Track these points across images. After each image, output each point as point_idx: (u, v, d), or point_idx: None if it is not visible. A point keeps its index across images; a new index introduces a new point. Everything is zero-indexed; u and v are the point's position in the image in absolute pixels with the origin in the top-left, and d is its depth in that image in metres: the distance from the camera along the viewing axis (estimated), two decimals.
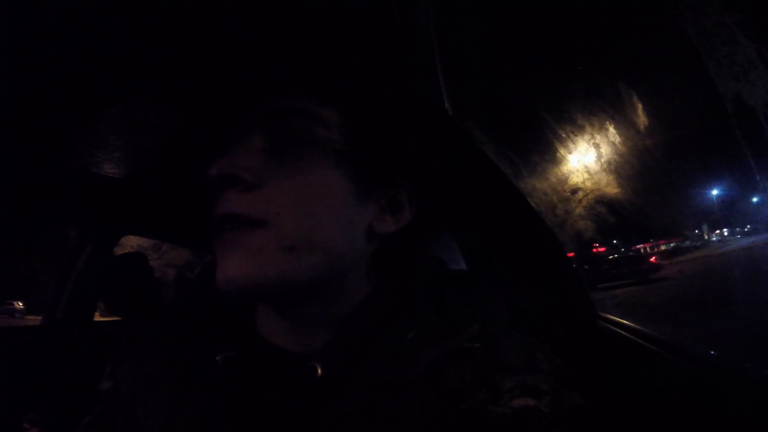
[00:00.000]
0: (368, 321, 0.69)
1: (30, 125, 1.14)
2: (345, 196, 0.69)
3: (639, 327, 1.30)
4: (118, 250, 2.36)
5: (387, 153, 0.75)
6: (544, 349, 0.69)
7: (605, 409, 0.73)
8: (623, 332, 1.29)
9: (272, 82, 0.76)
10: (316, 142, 0.68)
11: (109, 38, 0.84)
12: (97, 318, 2.39)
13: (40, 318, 2.31)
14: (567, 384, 0.65)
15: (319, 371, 0.63)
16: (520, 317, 1.02)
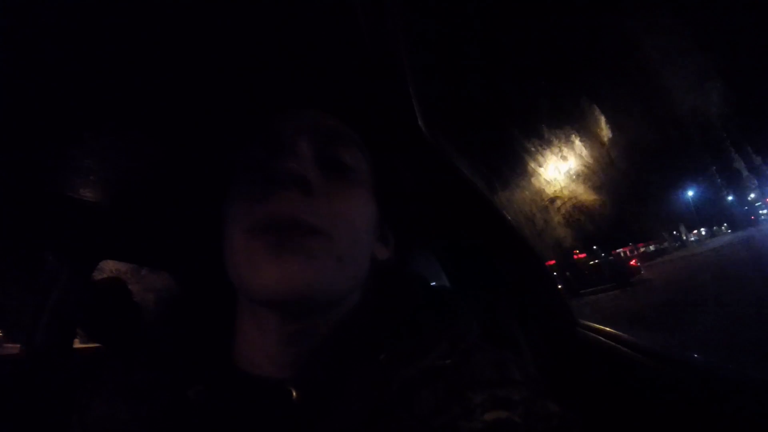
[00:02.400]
0: (345, 342, 0.70)
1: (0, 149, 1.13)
2: (372, 222, 0.75)
3: (618, 333, 1.32)
4: (97, 275, 2.33)
5: (389, 184, 0.81)
6: (516, 360, 0.69)
7: (585, 415, 0.73)
8: (602, 338, 1.30)
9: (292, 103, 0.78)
10: (357, 171, 0.74)
11: (81, 58, 0.83)
12: (77, 345, 2.36)
13: (18, 346, 2.26)
14: (540, 393, 0.65)
15: (294, 395, 0.64)
16: (496, 330, 1.03)
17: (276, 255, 0.63)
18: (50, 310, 2.13)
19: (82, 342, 2.43)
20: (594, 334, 1.33)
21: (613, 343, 1.27)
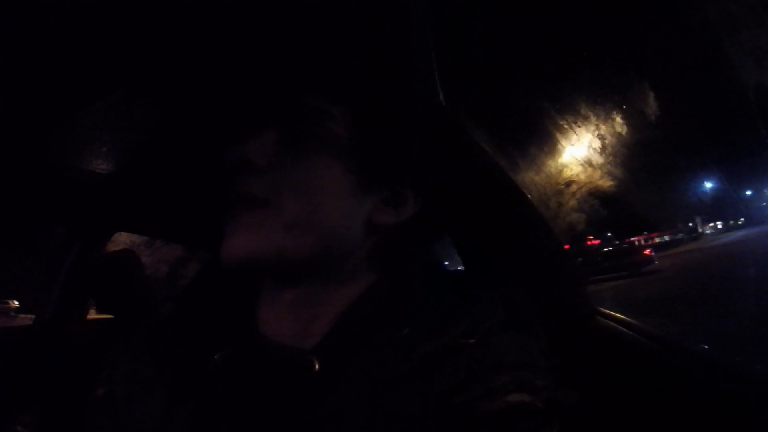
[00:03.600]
0: (365, 315, 0.71)
1: (11, 123, 1.12)
2: (345, 186, 0.73)
3: (638, 323, 1.30)
4: (110, 247, 2.34)
5: (389, 149, 0.78)
6: (540, 345, 0.70)
7: (602, 405, 0.72)
8: (622, 328, 1.28)
9: (268, 80, 0.80)
10: (322, 135, 0.73)
11: (89, 30, 0.82)
12: (92, 316, 2.38)
13: (33, 317, 2.29)
14: (563, 380, 0.65)
15: (317, 366, 0.65)
16: (516, 314, 1.01)
17: (227, 231, 0.68)
18: (62, 283, 2.14)
19: (98, 313, 2.45)
20: (614, 324, 1.31)
21: (633, 334, 1.26)
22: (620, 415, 1.10)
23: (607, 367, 1.21)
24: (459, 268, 1.60)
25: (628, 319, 1.33)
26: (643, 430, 1.08)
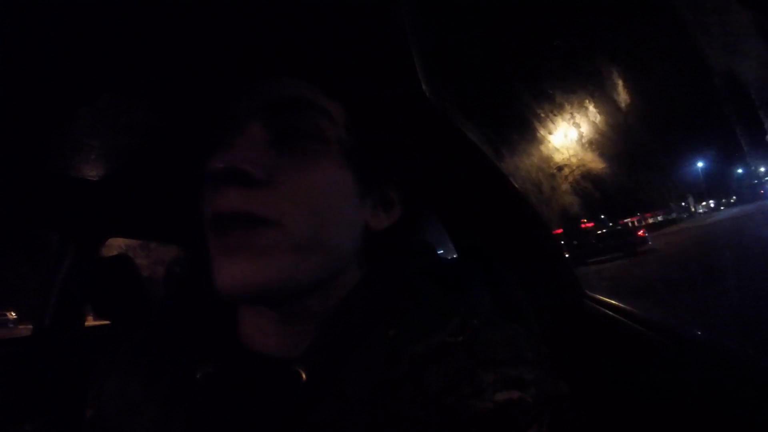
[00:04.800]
0: (351, 320, 0.67)
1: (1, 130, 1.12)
2: (349, 194, 0.68)
3: (626, 306, 1.30)
4: (105, 251, 2.34)
5: (385, 149, 0.74)
6: (528, 337, 0.68)
7: (593, 393, 0.72)
8: (610, 312, 1.28)
9: (262, 74, 0.71)
10: (322, 137, 0.66)
11: (76, 35, 0.82)
12: (90, 322, 2.38)
13: (31, 327, 2.29)
14: (552, 372, 0.64)
15: (304, 376, 0.62)
16: (505, 304, 1.01)
17: (226, 255, 0.60)
18: (58, 290, 2.14)
19: (95, 319, 2.45)
20: (602, 308, 1.31)
21: (619, 317, 1.26)
22: (612, 402, 1.11)
23: (597, 352, 1.22)
24: (454, 256, 1.61)
25: (614, 301, 1.33)
26: (633, 415, 1.09)
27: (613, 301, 1.33)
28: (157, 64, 0.91)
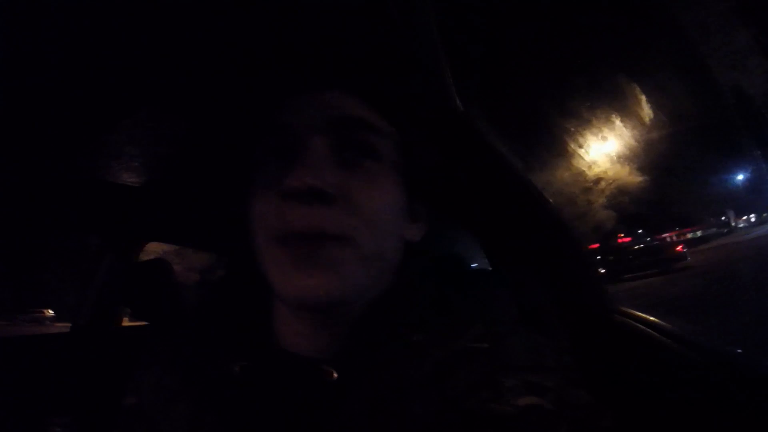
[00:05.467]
0: (380, 325, 0.69)
1: (45, 140, 1.17)
2: (398, 209, 0.72)
3: (658, 321, 1.28)
4: (143, 256, 2.40)
5: (425, 165, 0.78)
6: (551, 345, 0.69)
7: (616, 405, 0.71)
8: (641, 326, 1.26)
9: (314, 85, 0.72)
10: (378, 155, 0.70)
11: (113, 51, 0.84)
12: (126, 323, 2.44)
13: (69, 325, 2.35)
14: (573, 381, 0.64)
15: (334, 375, 0.64)
16: (532, 313, 1.01)
17: (300, 268, 0.62)
18: (96, 290, 2.21)
19: (131, 320, 2.51)
20: (633, 322, 1.29)
21: (651, 332, 1.24)
22: (640, 416, 1.09)
23: (626, 366, 1.20)
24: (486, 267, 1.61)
25: (648, 317, 1.31)
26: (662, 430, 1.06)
27: (646, 316, 1.31)
28: (198, 75, 0.93)
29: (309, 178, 0.62)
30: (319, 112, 0.69)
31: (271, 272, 0.66)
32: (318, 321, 0.69)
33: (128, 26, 0.80)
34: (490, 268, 1.46)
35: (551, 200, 1.31)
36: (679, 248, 17.75)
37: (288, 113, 0.71)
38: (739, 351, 1.16)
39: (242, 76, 0.88)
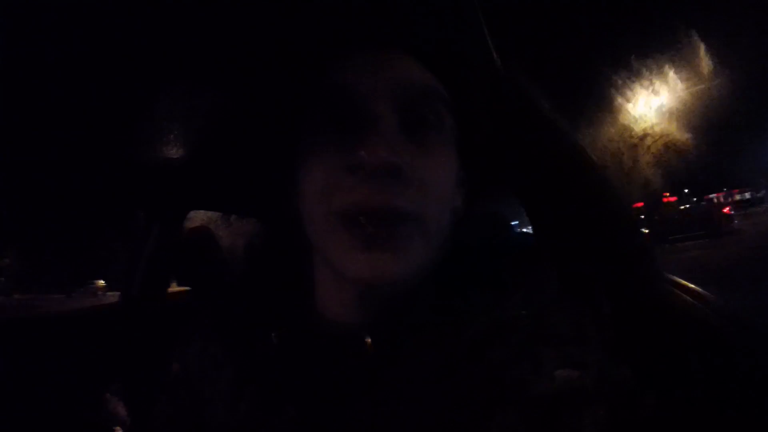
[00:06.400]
0: (416, 294, 0.68)
1: (87, 123, 1.19)
2: (455, 181, 0.70)
3: (710, 295, 1.22)
4: (188, 225, 2.45)
5: (477, 132, 0.75)
6: (595, 317, 0.66)
7: (662, 386, 0.69)
8: (692, 300, 1.21)
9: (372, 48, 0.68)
10: (443, 128, 0.67)
11: (149, 26, 0.84)
12: (174, 289, 2.52)
13: (118, 294, 2.44)
14: (616, 356, 0.62)
15: (369, 344, 0.64)
16: (574, 281, 0.98)
17: (366, 248, 0.59)
18: (144, 262, 2.27)
19: (178, 285, 2.59)
20: (681, 293, 1.24)
21: (701, 307, 1.19)
22: (683, 395, 1.06)
23: (671, 344, 1.16)
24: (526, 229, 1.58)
25: (696, 287, 1.25)
26: (700, 418, 1.03)
27: (694, 286, 1.26)
28: (230, 47, 0.91)
29: (382, 151, 0.58)
30: (385, 75, 0.65)
31: (333, 249, 0.63)
32: (364, 293, 0.67)
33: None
34: (530, 228, 1.43)
35: (595, 158, 1.27)
36: (726, 210, 17.19)
37: (349, 73, 0.66)
38: None
39: (289, 28, 0.80)
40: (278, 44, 0.83)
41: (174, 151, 1.51)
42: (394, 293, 0.67)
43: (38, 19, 0.81)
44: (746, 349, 1.07)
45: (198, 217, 2.61)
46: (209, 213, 2.74)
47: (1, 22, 0.80)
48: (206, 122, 1.30)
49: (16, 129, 1.18)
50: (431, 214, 0.63)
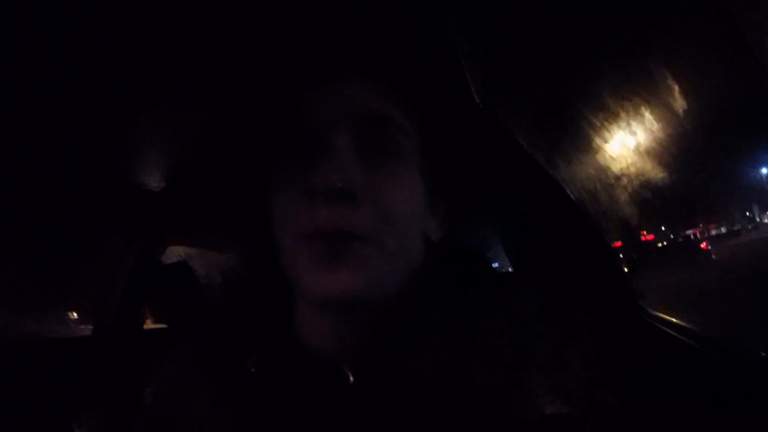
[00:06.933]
0: (400, 323, 0.68)
1: (65, 141, 1.18)
2: (421, 207, 0.70)
3: (685, 324, 1.24)
4: (165, 260, 2.42)
5: (446, 160, 0.76)
6: (576, 345, 0.67)
7: (644, 408, 0.69)
8: (667, 329, 1.23)
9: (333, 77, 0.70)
10: (403, 154, 0.68)
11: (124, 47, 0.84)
12: (150, 326, 2.47)
13: (91, 327, 2.38)
14: (599, 383, 0.62)
15: (351, 378, 0.64)
16: (554, 313, 0.98)
17: (325, 265, 0.61)
18: (118, 293, 2.23)
19: (153, 323, 2.54)
20: (658, 323, 1.26)
21: (676, 334, 1.20)
22: (661, 419, 1.06)
23: (651, 367, 1.16)
24: (507, 269, 1.59)
25: (675, 320, 1.27)
26: None
27: (670, 318, 1.28)
28: (212, 69, 0.93)
29: (335, 177, 0.60)
30: (341, 107, 0.67)
31: (296, 270, 0.65)
32: (339, 321, 0.67)
33: (139, 21, 0.79)
34: (511, 269, 1.44)
35: (573, 196, 1.29)
36: (703, 245, 17.42)
37: (308, 107, 0.69)
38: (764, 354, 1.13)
39: (258, 69, 0.86)
40: (245, 80, 0.86)
41: (154, 178, 1.50)
42: (371, 321, 0.67)
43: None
44: (723, 369, 1.09)
45: (176, 252, 2.58)
46: (187, 249, 2.72)
47: None
48: (185, 152, 1.30)
49: None
50: (389, 237, 0.63)
